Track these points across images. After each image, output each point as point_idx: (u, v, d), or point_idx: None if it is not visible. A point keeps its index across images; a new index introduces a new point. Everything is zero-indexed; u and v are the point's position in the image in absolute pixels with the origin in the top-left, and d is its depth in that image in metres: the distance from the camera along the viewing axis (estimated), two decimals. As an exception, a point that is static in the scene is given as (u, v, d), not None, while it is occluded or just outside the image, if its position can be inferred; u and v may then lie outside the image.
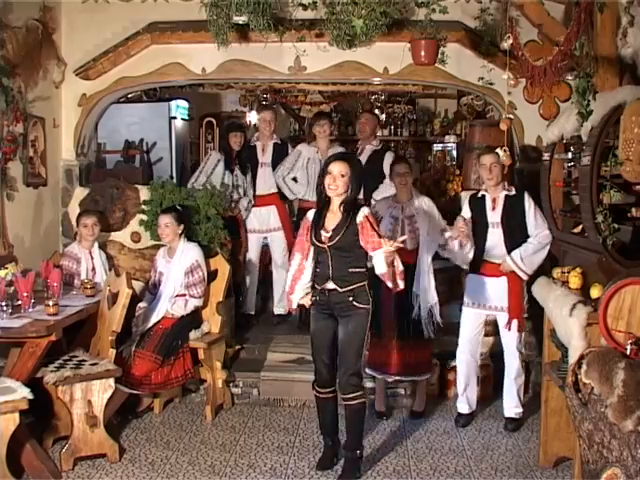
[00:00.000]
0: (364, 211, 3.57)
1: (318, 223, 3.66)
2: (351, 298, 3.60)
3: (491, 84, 4.90)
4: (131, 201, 5.19)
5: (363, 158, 5.43)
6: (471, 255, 4.35)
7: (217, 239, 5.04)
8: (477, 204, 4.39)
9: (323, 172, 3.63)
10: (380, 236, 3.48)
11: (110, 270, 4.76)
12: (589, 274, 3.65)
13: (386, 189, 5.47)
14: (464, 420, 4.48)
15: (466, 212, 4.43)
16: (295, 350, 5.16)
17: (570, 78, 4.51)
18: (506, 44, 4.25)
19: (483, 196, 4.38)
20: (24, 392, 3.44)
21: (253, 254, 5.79)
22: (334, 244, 3.59)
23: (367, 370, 4.51)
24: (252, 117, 8.24)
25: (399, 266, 3.50)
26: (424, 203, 4.53)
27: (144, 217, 5.12)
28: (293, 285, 3.76)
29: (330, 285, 3.64)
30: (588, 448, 2.83)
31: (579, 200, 3.80)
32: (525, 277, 4.26)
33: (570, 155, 4.09)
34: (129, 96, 6.45)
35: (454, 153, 7.76)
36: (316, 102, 8.04)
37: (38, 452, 3.66)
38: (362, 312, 3.63)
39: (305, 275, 3.73)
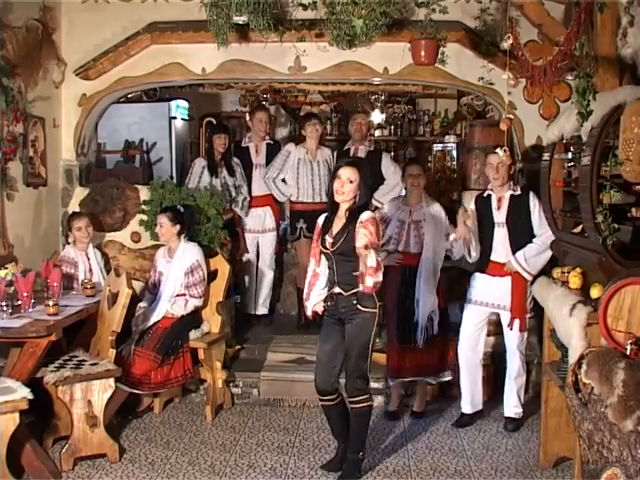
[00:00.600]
0: (365, 215, 3.52)
1: (326, 229, 3.66)
2: (355, 301, 3.59)
3: (491, 84, 4.89)
4: (131, 201, 5.20)
5: None
6: (477, 251, 4.34)
7: (217, 239, 5.05)
8: (483, 204, 4.40)
9: (333, 176, 3.62)
10: (366, 246, 3.35)
11: (107, 269, 4.77)
12: (589, 274, 3.65)
13: (388, 189, 5.48)
14: (466, 420, 4.48)
15: (473, 214, 4.42)
16: (295, 350, 5.16)
17: (570, 78, 4.51)
18: (506, 44, 4.25)
19: (489, 196, 4.40)
20: (24, 392, 3.44)
21: (251, 254, 5.79)
22: (336, 249, 3.59)
23: (390, 381, 4.58)
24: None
25: (371, 263, 3.36)
26: (432, 209, 4.51)
27: (144, 217, 5.12)
28: (309, 292, 3.79)
29: (337, 289, 3.65)
30: (588, 448, 2.83)
31: (579, 200, 3.79)
32: (529, 277, 4.27)
33: (570, 155, 4.09)
34: (129, 96, 6.44)
35: (454, 153, 7.76)
36: (316, 102, 8.03)
37: (38, 452, 3.66)
38: (367, 316, 3.60)
39: (320, 281, 3.74)
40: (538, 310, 4.25)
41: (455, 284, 4.93)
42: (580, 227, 3.96)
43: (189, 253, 4.57)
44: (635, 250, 3.56)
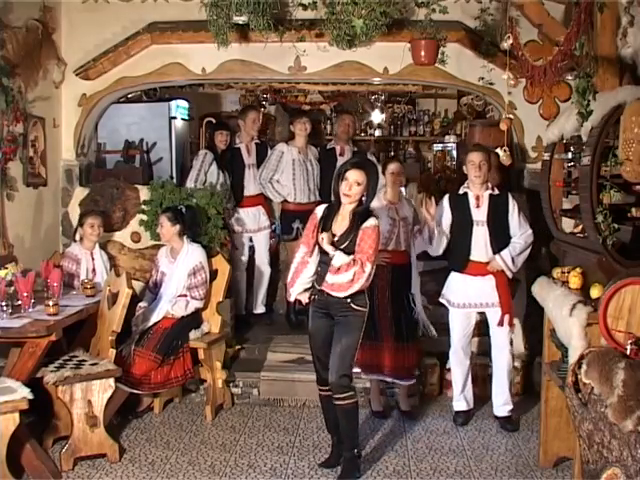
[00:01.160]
0: (372, 221, 3.56)
1: (326, 224, 3.66)
2: (349, 300, 3.60)
3: (491, 84, 4.90)
4: (131, 201, 5.19)
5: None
6: (440, 244, 4.35)
7: (217, 239, 5.04)
8: (459, 202, 4.38)
9: (339, 176, 3.62)
10: (367, 256, 3.51)
11: (111, 270, 4.76)
12: (589, 274, 3.65)
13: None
14: (463, 418, 4.49)
15: (447, 212, 4.40)
16: (295, 350, 5.16)
17: (570, 78, 4.51)
18: (506, 44, 4.25)
19: (465, 194, 4.38)
20: (24, 392, 3.44)
21: (243, 255, 5.79)
22: (340, 250, 3.58)
23: (355, 369, 4.52)
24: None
25: (335, 262, 3.55)
26: (409, 204, 4.64)
27: (144, 217, 5.12)
28: (294, 278, 3.74)
29: None
30: (588, 448, 2.83)
31: (579, 200, 3.79)
32: (511, 275, 4.32)
33: (570, 155, 4.09)
34: (129, 96, 6.44)
35: (454, 153, 7.77)
36: (316, 102, 8.03)
37: (38, 452, 3.66)
38: (358, 314, 3.64)
39: (308, 270, 3.70)
40: (538, 310, 4.26)
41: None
42: (580, 227, 3.97)
43: (193, 254, 4.57)
44: (635, 250, 3.57)
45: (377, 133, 8.53)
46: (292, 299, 3.83)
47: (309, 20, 4.94)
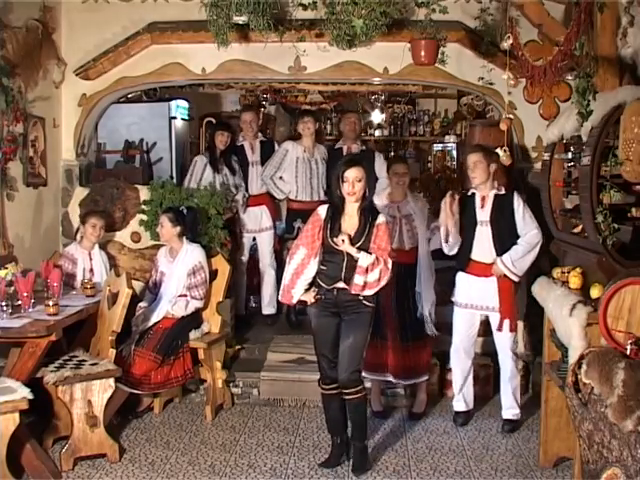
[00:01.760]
0: (382, 218, 3.69)
1: (334, 224, 3.66)
2: (361, 297, 3.65)
3: (491, 84, 4.89)
4: (131, 201, 5.19)
5: None
6: (455, 243, 4.32)
7: (217, 239, 5.04)
8: (467, 202, 4.38)
9: (338, 178, 3.63)
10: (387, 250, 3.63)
11: (111, 270, 4.76)
12: (589, 274, 3.65)
13: (380, 189, 5.48)
14: (462, 418, 4.48)
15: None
16: (295, 350, 5.16)
17: (570, 78, 4.51)
18: (506, 44, 4.25)
19: (473, 194, 4.38)
20: (24, 392, 3.44)
21: (244, 255, 5.79)
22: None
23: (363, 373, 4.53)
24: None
25: (361, 263, 3.59)
26: (420, 203, 4.62)
27: (144, 217, 5.12)
28: (294, 279, 3.73)
29: (340, 285, 3.67)
30: (588, 448, 2.83)
31: (579, 200, 3.79)
32: (516, 279, 4.25)
33: (570, 155, 4.09)
34: (129, 96, 6.44)
35: (454, 153, 7.76)
36: (316, 102, 8.03)
37: (38, 452, 3.66)
38: (368, 310, 3.68)
39: (308, 271, 3.71)
40: (538, 310, 4.26)
41: (453, 284, 4.92)
42: (580, 227, 3.97)
43: (192, 254, 4.57)
44: (635, 250, 3.57)
45: (377, 133, 8.53)
46: (294, 301, 3.83)
47: (309, 20, 4.94)
